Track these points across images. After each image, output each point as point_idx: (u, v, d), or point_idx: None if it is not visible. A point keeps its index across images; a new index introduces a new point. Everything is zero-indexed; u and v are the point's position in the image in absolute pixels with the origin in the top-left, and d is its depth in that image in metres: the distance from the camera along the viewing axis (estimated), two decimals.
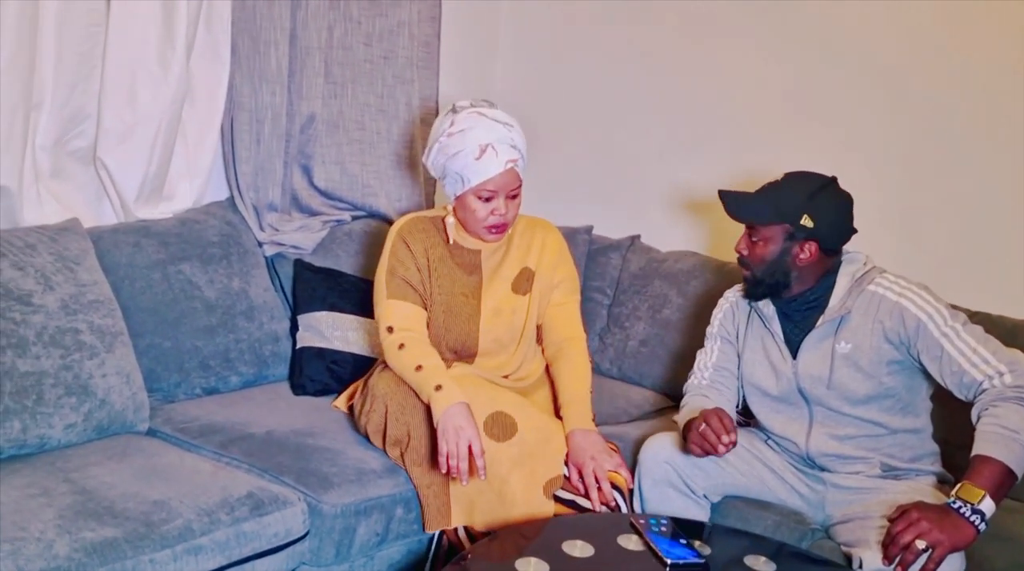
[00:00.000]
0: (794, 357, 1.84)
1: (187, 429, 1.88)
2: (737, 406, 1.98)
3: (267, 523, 1.56)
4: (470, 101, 1.89)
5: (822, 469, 1.84)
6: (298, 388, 2.19)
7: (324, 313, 2.29)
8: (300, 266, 2.37)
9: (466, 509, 1.78)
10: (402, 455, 1.82)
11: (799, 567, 1.54)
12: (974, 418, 1.64)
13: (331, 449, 1.82)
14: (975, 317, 2.13)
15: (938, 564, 1.47)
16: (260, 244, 2.36)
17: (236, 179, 2.34)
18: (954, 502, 1.53)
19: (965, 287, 2.20)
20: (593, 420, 1.93)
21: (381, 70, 2.58)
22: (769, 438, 1.93)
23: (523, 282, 1.98)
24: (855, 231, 1.83)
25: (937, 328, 1.69)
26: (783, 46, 2.54)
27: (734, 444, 1.70)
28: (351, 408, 2.02)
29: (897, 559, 1.50)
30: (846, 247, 1.86)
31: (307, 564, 1.69)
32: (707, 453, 1.71)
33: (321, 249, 2.45)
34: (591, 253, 2.76)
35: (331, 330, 2.26)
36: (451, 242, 1.95)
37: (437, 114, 2.80)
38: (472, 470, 1.68)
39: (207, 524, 1.48)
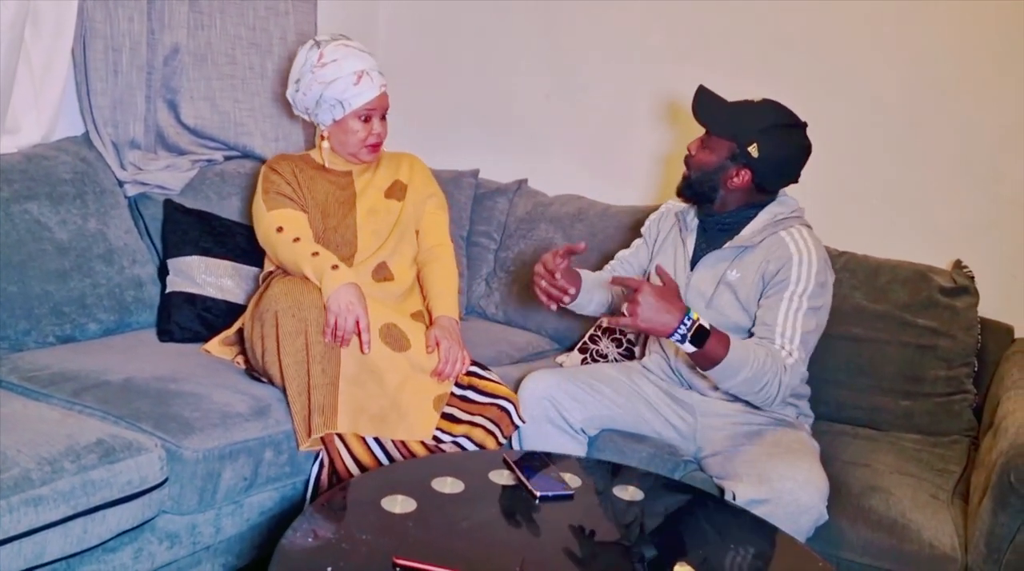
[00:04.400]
0: (691, 270, 1.88)
1: (36, 378, 1.74)
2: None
3: (118, 471, 1.46)
4: (330, 35, 2.02)
5: (688, 387, 1.89)
6: (165, 334, 2.07)
7: (196, 258, 2.17)
8: (170, 207, 2.23)
9: (353, 414, 1.76)
10: (306, 355, 1.74)
11: (666, 495, 1.56)
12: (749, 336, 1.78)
13: (195, 394, 1.73)
14: (842, 256, 2.22)
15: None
16: (121, 183, 2.21)
17: (91, 113, 2.17)
18: (689, 316, 1.63)
19: (836, 228, 2.28)
20: (460, 316, 2.06)
21: (252, 0, 2.44)
22: (649, 353, 1.99)
23: (396, 190, 2.12)
24: (795, 180, 1.85)
25: (792, 293, 1.76)
26: None
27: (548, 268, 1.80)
28: (240, 333, 1.97)
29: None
30: (786, 191, 1.89)
31: (168, 512, 1.61)
32: (542, 278, 1.81)
33: (190, 190, 2.32)
34: (478, 197, 2.73)
35: (203, 276, 2.15)
36: (326, 165, 2.06)
37: None
38: (360, 344, 1.75)
39: (48, 473, 1.37)
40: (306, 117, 2.07)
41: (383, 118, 2.03)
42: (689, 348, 1.64)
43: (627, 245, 2.41)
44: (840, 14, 2.30)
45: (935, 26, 2.20)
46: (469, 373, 1.91)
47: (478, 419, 1.83)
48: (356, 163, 2.06)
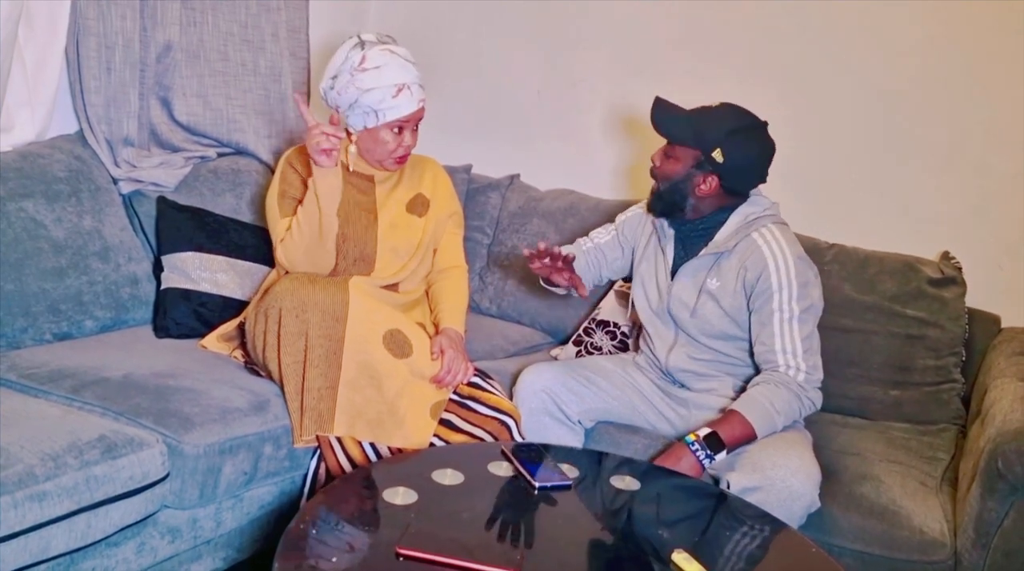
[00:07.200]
0: (671, 280, 1.90)
1: (34, 375, 1.75)
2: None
3: (120, 466, 1.47)
4: (375, 35, 1.93)
5: (681, 385, 1.92)
6: (161, 331, 2.08)
7: (191, 253, 2.18)
8: (164, 204, 2.24)
9: (350, 419, 1.77)
10: (304, 357, 1.75)
11: (662, 484, 1.59)
12: (756, 379, 1.78)
13: (194, 389, 1.74)
14: (832, 248, 2.24)
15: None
16: (115, 181, 2.21)
17: (85, 110, 2.17)
18: (692, 443, 1.68)
19: (825, 220, 2.31)
20: (464, 333, 2.03)
21: None
22: (640, 352, 2.02)
23: (418, 205, 2.06)
24: (763, 180, 1.85)
25: (779, 302, 1.76)
26: None
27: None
28: (241, 327, 1.97)
29: None
30: (761, 190, 1.89)
31: (170, 507, 1.62)
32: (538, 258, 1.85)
33: (184, 187, 2.32)
34: (470, 192, 2.74)
35: (198, 271, 2.16)
36: (350, 170, 1.99)
37: (308, 47, 2.69)
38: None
39: (52, 469, 1.39)
40: (335, 113, 1.94)
41: (415, 130, 1.96)
42: (723, 456, 1.69)
43: None
44: (827, 8, 2.33)
45: (923, 19, 2.23)
46: (471, 384, 1.90)
47: (477, 431, 1.82)
48: (379, 170, 2.00)
